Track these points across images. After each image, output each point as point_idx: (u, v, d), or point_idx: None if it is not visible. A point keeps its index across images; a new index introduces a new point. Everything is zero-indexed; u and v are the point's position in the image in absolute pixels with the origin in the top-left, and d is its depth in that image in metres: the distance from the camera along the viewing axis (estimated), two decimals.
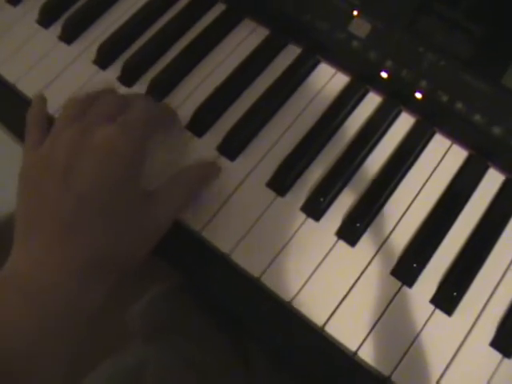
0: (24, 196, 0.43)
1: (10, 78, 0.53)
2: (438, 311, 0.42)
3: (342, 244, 0.45)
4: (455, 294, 0.43)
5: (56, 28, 0.56)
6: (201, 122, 0.49)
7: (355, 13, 0.50)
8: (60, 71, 0.53)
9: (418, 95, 0.48)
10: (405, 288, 0.43)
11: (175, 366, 0.54)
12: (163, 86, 0.51)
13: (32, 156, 0.44)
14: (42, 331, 0.38)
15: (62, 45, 0.54)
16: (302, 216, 0.45)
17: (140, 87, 0.51)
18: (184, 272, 0.47)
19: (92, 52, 0.53)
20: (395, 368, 0.41)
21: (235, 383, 0.53)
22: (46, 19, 0.55)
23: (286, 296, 0.43)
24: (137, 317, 0.61)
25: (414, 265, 0.44)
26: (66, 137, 0.42)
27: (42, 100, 0.49)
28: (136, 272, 0.43)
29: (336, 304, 0.43)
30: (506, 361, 0.41)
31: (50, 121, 0.47)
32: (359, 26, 0.49)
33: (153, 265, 0.49)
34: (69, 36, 0.54)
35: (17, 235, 0.42)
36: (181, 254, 0.46)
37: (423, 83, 0.48)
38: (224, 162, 0.47)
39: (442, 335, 0.42)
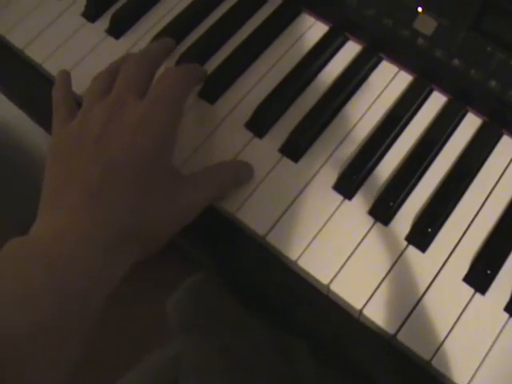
0: (52, 168, 0.42)
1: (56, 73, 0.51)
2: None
3: (411, 248, 0.43)
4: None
5: (102, 22, 0.54)
6: (261, 122, 0.47)
7: (420, 9, 0.48)
8: None
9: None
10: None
11: (211, 355, 0.54)
12: (219, 85, 0.49)
13: (62, 131, 0.43)
14: (61, 303, 0.36)
15: (110, 39, 0.53)
16: (371, 220, 0.44)
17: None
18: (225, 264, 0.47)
19: (141, 47, 0.51)
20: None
21: (272, 369, 0.52)
22: (92, 13, 0.53)
23: (357, 305, 0.42)
24: (173, 308, 0.60)
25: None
26: (97, 112, 0.42)
27: (67, 76, 0.48)
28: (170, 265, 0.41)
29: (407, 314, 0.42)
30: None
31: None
32: (424, 22, 0.48)
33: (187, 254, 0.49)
34: (118, 30, 0.52)
35: (41, 205, 0.41)
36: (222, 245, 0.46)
37: (492, 83, 0.46)
38: (287, 163, 0.46)
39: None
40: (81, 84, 0.50)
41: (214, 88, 0.49)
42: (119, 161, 0.40)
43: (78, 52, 0.52)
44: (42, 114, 0.53)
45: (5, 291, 0.35)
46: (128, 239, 0.39)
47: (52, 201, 0.40)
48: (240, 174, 0.45)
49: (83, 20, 0.54)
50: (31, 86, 0.53)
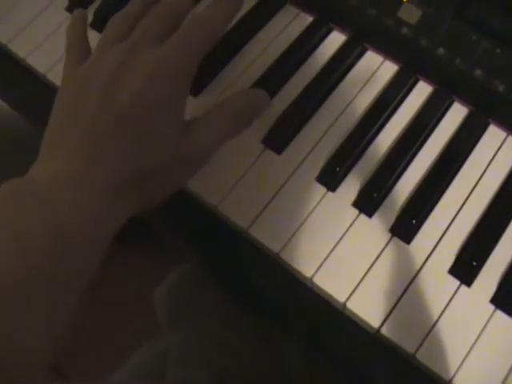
0: (58, 109, 0.40)
1: (40, 68, 0.51)
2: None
3: (396, 240, 0.43)
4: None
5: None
6: None
7: None
8: None
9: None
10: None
11: (199, 345, 0.53)
12: (200, 79, 0.48)
13: (72, 72, 0.41)
14: (58, 250, 0.34)
15: (94, 33, 0.52)
16: (355, 212, 0.43)
17: None
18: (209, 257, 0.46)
19: None
20: None
21: (258, 359, 0.52)
22: (76, 7, 0.52)
23: (341, 298, 0.41)
24: (161, 300, 0.60)
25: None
26: (112, 54, 0.39)
27: (83, 16, 0.46)
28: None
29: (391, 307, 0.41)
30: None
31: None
32: (409, 12, 0.47)
33: (173, 247, 0.48)
34: (101, 24, 0.52)
35: (43, 146, 0.39)
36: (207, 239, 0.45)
37: (477, 72, 0.45)
38: (270, 155, 0.45)
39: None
40: None
41: (198, 81, 0.48)
42: (127, 113, 0.38)
43: (62, 46, 0.51)
44: (26, 108, 0.53)
45: (1, 233, 0.34)
46: (128, 185, 0.38)
47: (53, 143, 0.39)
48: (255, 101, 0.43)
49: (67, 14, 0.54)
50: (15, 80, 0.53)
